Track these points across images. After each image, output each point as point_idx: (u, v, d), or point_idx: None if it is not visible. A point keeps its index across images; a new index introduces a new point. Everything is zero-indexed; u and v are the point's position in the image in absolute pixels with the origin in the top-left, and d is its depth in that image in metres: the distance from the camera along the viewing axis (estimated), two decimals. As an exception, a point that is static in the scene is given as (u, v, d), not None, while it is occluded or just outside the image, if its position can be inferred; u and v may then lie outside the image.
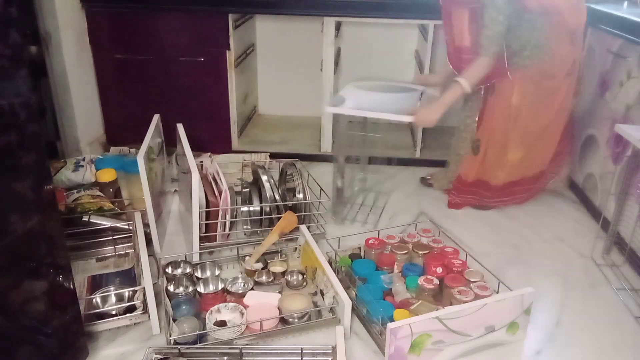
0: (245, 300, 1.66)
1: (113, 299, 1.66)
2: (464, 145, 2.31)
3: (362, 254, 1.92)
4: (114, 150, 2.84)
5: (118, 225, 1.98)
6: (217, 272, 1.79)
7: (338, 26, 2.72)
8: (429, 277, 1.70)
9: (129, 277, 1.79)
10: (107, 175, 2.21)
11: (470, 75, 2.00)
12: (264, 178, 2.05)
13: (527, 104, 2.12)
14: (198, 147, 2.49)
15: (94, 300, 1.64)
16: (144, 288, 1.57)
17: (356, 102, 2.10)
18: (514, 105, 2.12)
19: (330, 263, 1.76)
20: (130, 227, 1.95)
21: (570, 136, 2.37)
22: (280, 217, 1.96)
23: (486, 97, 2.16)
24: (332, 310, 1.62)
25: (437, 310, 1.48)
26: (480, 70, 1.99)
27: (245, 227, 2.10)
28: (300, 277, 1.80)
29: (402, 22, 2.70)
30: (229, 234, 2.05)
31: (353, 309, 1.60)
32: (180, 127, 2.25)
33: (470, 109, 2.25)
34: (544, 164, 2.32)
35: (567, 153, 2.42)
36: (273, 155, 2.76)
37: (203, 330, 1.52)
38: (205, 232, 1.94)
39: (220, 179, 2.03)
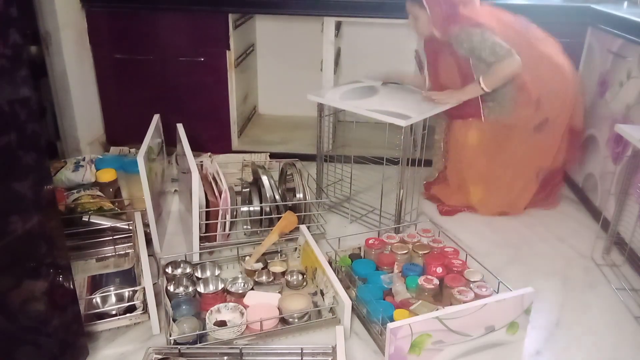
0: (245, 300, 1.66)
1: (113, 299, 1.66)
2: (437, 160, 2.40)
3: (362, 254, 1.92)
4: (114, 150, 2.84)
5: (118, 225, 1.98)
6: (217, 272, 1.79)
7: (338, 26, 2.72)
8: (429, 277, 1.70)
9: (129, 277, 1.79)
10: (107, 175, 2.21)
11: (488, 76, 2.04)
12: (264, 178, 2.05)
13: (482, 146, 2.19)
14: (198, 147, 2.49)
15: (94, 300, 1.64)
16: (144, 288, 1.57)
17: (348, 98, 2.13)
18: (470, 144, 2.19)
19: (330, 263, 1.76)
20: (130, 227, 1.95)
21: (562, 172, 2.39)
22: (280, 217, 1.96)
23: (447, 131, 2.26)
24: (332, 310, 1.62)
25: (437, 310, 1.48)
26: (498, 73, 2.02)
27: (245, 227, 2.10)
28: (300, 277, 1.80)
29: (402, 22, 2.69)
30: (229, 234, 2.05)
31: (353, 309, 1.60)
32: (180, 127, 2.25)
33: (440, 132, 2.34)
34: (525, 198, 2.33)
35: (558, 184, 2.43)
36: (273, 155, 2.76)
37: (203, 330, 1.52)
38: (205, 232, 1.94)
39: (220, 179, 2.03)
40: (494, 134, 2.16)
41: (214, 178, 2.11)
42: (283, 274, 1.81)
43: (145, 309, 1.57)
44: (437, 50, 2.17)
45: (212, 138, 2.82)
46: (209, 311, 1.57)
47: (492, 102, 2.11)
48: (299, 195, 2.07)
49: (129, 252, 1.94)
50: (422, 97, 2.13)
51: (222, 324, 1.56)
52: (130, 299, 1.63)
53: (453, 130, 2.23)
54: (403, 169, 2.02)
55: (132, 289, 1.64)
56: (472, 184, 2.28)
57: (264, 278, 1.80)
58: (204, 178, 2.08)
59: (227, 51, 2.68)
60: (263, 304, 1.63)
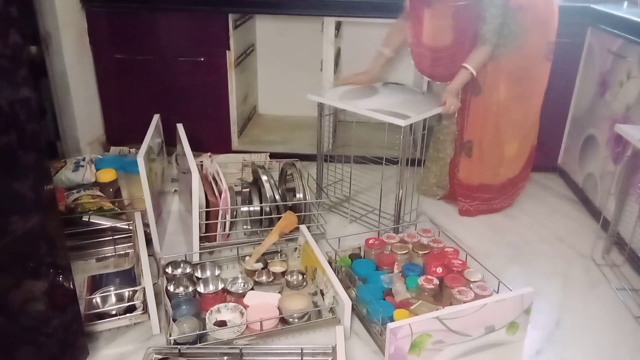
0: (245, 300, 1.66)
1: (113, 299, 1.66)
2: (445, 148, 2.32)
3: (362, 254, 1.92)
4: (114, 150, 2.84)
5: (118, 225, 1.98)
6: (217, 272, 1.79)
7: (338, 26, 2.72)
8: (429, 277, 1.70)
9: (129, 277, 1.79)
10: (107, 175, 2.21)
11: (475, 61, 2.03)
12: (264, 178, 2.05)
13: (515, 97, 2.13)
14: (198, 147, 2.49)
15: (94, 300, 1.64)
16: (144, 288, 1.57)
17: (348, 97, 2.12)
18: (503, 102, 2.13)
19: (330, 263, 1.76)
20: (130, 227, 1.95)
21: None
22: (280, 217, 1.96)
23: (470, 99, 2.17)
24: (332, 310, 1.62)
25: (437, 310, 1.48)
26: (483, 57, 2.03)
27: (245, 227, 2.10)
28: (300, 277, 1.80)
29: (402, 22, 2.69)
30: (229, 234, 2.05)
31: (353, 309, 1.60)
32: (180, 127, 2.25)
33: (449, 117, 2.27)
34: (530, 149, 2.35)
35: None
36: (273, 155, 2.76)
37: (203, 330, 1.52)
38: (205, 232, 1.94)
39: (220, 179, 2.03)
40: (518, 80, 2.11)
41: (214, 178, 2.11)
42: (283, 274, 1.81)
43: (145, 309, 1.57)
44: (430, 4, 2.07)
45: (212, 138, 2.82)
46: (209, 311, 1.57)
47: (505, 40, 2.03)
48: (299, 195, 2.07)
49: (129, 252, 1.94)
50: (441, 107, 2.09)
51: (222, 324, 1.56)
52: (130, 299, 1.63)
53: (482, 94, 2.13)
54: (402, 169, 2.02)
55: (132, 289, 1.64)
56: (509, 141, 2.22)
57: (264, 278, 1.80)
58: (204, 178, 2.08)
59: (227, 51, 2.68)
60: (263, 304, 1.63)
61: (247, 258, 1.86)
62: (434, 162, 2.40)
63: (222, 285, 1.71)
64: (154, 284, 1.60)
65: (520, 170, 2.33)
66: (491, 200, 2.32)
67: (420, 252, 1.82)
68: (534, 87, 2.17)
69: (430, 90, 2.40)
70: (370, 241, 1.88)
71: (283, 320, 1.59)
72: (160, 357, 1.42)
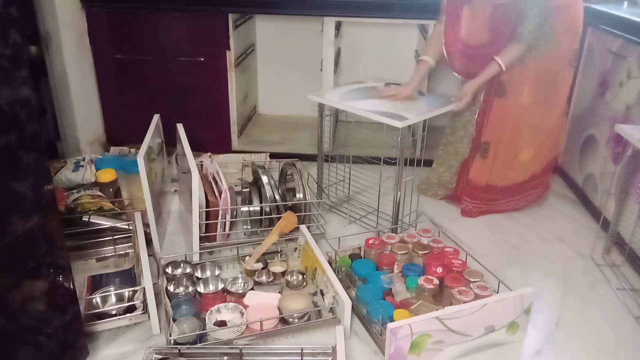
0: (245, 300, 1.66)
1: (113, 299, 1.66)
2: (462, 149, 2.30)
3: (362, 254, 1.92)
4: (114, 150, 2.84)
5: (118, 225, 1.98)
6: (217, 272, 1.79)
7: (338, 26, 2.72)
8: (429, 277, 1.70)
9: (129, 277, 1.79)
10: (107, 175, 2.21)
11: (507, 57, 2.02)
12: (264, 178, 2.05)
13: (537, 102, 2.12)
14: (198, 147, 2.49)
15: (94, 300, 1.64)
16: (144, 288, 1.57)
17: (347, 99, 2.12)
18: (525, 105, 2.11)
19: (330, 263, 1.76)
20: (130, 227, 1.95)
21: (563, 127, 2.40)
22: (280, 217, 1.96)
23: (492, 99, 2.15)
24: (332, 310, 1.62)
25: (437, 310, 1.48)
26: (516, 54, 2.01)
27: (245, 227, 2.10)
28: (300, 277, 1.80)
29: (402, 22, 2.70)
30: (229, 234, 2.05)
31: (353, 309, 1.60)
32: (180, 127, 2.25)
33: (471, 112, 2.24)
34: (551, 158, 2.34)
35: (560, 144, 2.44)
36: (273, 155, 2.76)
37: (203, 330, 1.52)
38: (205, 232, 1.94)
39: (220, 179, 2.03)
40: (543, 85, 2.10)
41: (214, 178, 2.11)
42: (283, 274, 1.81)
43: (145, 309, 1.57)
44: (470, 1, 2.05)
45: (212, 138, 2.82)
46: (209, 311, 1.57)
47: (539, 41, 2.01)
48: (299, 195, 2.07)
49: (129, 252, 1.94)
50: (455, 102, 2.09)
51: (222, 324, 1.56)
52: (130, 299, 1.63)
53: (506, 96, 2.11)
54: (401, 170, 2.02)
55: (132, 289, 1.64)
56: (526, 146, 2.20)
57: (264, 278, 1.80)
58: (204, 178, 2.08)
59: (227, 51, 2.68)
60: (263, 304, 1.63)
61: (247, 258, 1.86)
62: (441, 163, 2.39)
63: (222, 285, 1.71)
64: (154, 284, 1.60)
65: (530, 177, 2.30)
66: (493, 201, 2.31)
67: (420, 252, 1.82)
68: (557, 94, 2.15)
69: (430, 91, 2.40)
70: (370, 241, 1.88)
71: (283, 320, 1.59)
72: (160, 357, 1.42)
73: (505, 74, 2.06)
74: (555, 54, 2.05)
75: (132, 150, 2.78)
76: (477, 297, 1.59)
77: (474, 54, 2.11)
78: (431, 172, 2.42)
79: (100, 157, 2.57)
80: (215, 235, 1.98)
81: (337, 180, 2.42)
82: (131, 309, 1.59)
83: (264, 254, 1.87)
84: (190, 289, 1.69)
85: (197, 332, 1.49)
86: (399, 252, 1.83)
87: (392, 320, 1.48)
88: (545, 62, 2.04)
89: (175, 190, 2.44)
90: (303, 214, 2.05)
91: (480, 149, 2.23)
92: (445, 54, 2.17)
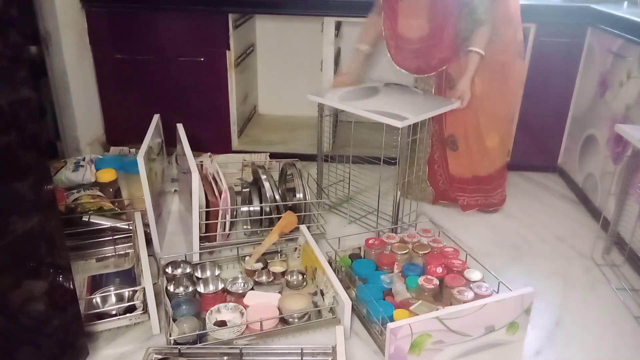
0: (245, 300, 1.66)
1: (113, 299, 1.66)
2: (423, 147, 2.30)
3: (362, 254, 1.92)
4: (114, 150, 2.84)
5: (118, 225, 1.98)
6: (217, 272, 1.79)
7: (338, 26, 2.72)
8: (429, 277, 1.69)
9: (129, 277, 1.79)
10: (107, 175, 2.21)
11: (480, 42, 2.04)
12: (264, 178, 2.05)
13: (489, 90, 2.14)
14: (198, 147, 2.49)
15: (94, 300, 1.64)
16: (144, 288, 1.57)
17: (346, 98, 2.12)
18: (478, 94, 2.13)
19: (330, 263, 1.76)
20: (130, 227, 1.95)
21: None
22: (280, 217, 1.96)
23: (444, 92, 2.18)
24: (332, 310, 1.62)
25: (437, 310, 1.48)
26: (486, 37, 2.04)
27: (245, 227, 2.10)
28: (300, 277, 1.80)
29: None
30: (229, 234, 2.05)
31: (353, 309, 1.60)
32: (180, 127, 2.25)
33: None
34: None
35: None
36: (273, 155, 2.76)
37: (203, 330, 1.52)
38: (205, 232, 1.94)
39: (220, 179, 2.03)
40: (491, 74, 2.13)
41: (214, 178, 2.11)
42: (283, 274, 1.81)
43: (145, 309, 1.57)
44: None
45: (212, 138, 2.82)
46: (209, 311, 1.57)
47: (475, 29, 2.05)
48: (299, 195, 2.07)
49: (129, 252, 1.94)
50: (457, 102, 2.10)
51: (222, 324, 1.56)
52: (130, 299, 1.63)
53: (456, 87, 2.14)
54: (400, 170, 2.02)
55: (132, 289, 1.64)
56: (488, 133, 2.22)
57: (264, 278, 1.80)
58: (204, 178, 2.08)
59: (227, 51, 2.68)
60: (263, 304, 1.63)
61: (247, 258, 1.86)
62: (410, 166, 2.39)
63: (222, 285, 1.71)
64: (154, 284, 1.60)
65: (504, 163, 2.36)
66: (487, 193, 2.32)
67: (420, 252, 1.82)
68: (509, 83, 2.19)
69: (429, 91, 2.39)
70: (370, 241, 1.88)
71: (283, 320, 1.59)
72: (160, 357, 1.42)
73: (452, 66, 2.10)
74: (498, 44, 2.08)
75: (132, 150, 2.78)
76: (477, 297, 1.59)
77: (415, 48, 2.13)
78: (417, 177, 2.42)
79: (100, 157, 2.57)
80: (215, 235, 1.98)
81: (337, 180, 2.42)
82: (131, 309, 1.59)
83: (264, 254, 1.87)
84: (190, 289, 1.69)
85: (197, 332, 1.49)
86: (399, 252, 1.83)
87: (392, 320, 1.48)
88: (490, 52, 2.07)
89: (175, 190, 2.44)
90: (303, 214, 2.05)
91: (447, 142, 2.25)
92: (387, 49, 2.20)
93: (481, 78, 2.12)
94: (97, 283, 1.75)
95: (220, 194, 1.97)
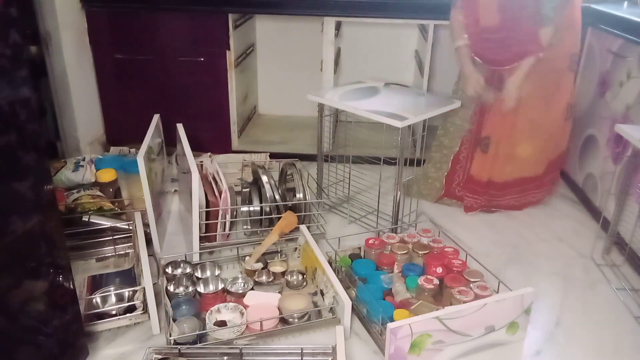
0: (245, 300, 1.66)
1: (113, 299, 1.66)
2: (452, 144, 2.30)
3: (362, 254, 1.92)
4: (114, 150, 2.84)
5: (118, 225, 1.98)
6: (217, 272, 1.79)
7: (338, 26, 2.72)
8: (429, 277, 1.69)
9: (129, 277, 1.79)
10: (107, 175, 2.21)
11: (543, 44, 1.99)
12: (264, 178, 2.05)
13: (536, 98, 2.12)
14: (198, 147, 2.49)
15: (94, 300, 1.64)
16: (144, 288, 1.57)
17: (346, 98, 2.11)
18: (524, 100, 2.10)
19: (330, 263, 1.76)
20: (130, 227, 1.95)
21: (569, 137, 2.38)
22: (280, 217, 1.96)
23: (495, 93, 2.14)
24: (332, 310, 1.62)
25: (437, 310, 1.48)
26: (548, 38, 1.97)
27: (245, 227, 2.10)
28: (300, 277, 1.80)
29: (402, 22, 2.70)
30: (229, 234, 2.05)
31: (353, 309, 1.60)
32: (180, 127, 2.25)
33: (465, 108, 2.22)
34: (554, 158, 2.33)
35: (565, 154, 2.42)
36: (273, 155, 2.76)
37: (203, 330, 1.52)
38: (205, 232, 1.94)
39: (220, 179, 2.03)
40: (540, 80, 2.07)
41: (214, 178, 2.11)
42: (283, 274, 1.81)
43: (145, 309, 1.57)
44: None
45: (212, 138, 2.82)
46: (209, 311, 1.57)
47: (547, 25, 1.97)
48: (299, 195, 2.07)
49: (129, 252, 1.94)
50: (458, 102, 2.08)
51: (222, 324, 1.56)
52: (130, 299, 1.63)
53: (501, 88, 2.10)
54: (401, 170, 2.02)
55: (132, 289, 1.64)
56: (523, 140, 2.19)
57: (264, 278, 1.80)
58: (204, 178, 2.08)
59: (227, 51, 2.68)
60: (263, 304, 1.63)
61: (247, 258, 1.86)
62: (434, 164, 2.39)
63: (222, 285, 1.71)
64: (154, 284, 1.60)
65: (533, 176, 2.30)
66: (493, 197, 2.32)
67: (420, 252, 1.82)
68: (557, 93, 2.15)
69: (431, 91, 2.40)
70: (370, 241, 1.88)
71: (283, 320, 1.59)
72: (160, 357, 1.42)
73: (506, 68, 2.06)
74: (557, 49, 2.04)
75: (132, 150, 2.78)
76: (477, 297, 1.59)
77: (490, 37, 2.08)
78: (425, 174, 2.42)
79: (100, 157, 2.56)
80: (215, 235, 1.98)
81: (337, 180, 2.42)
82: (131, 309, 1.59)
83: (264, 254, 1.87)
84: (190, 289, 1.69)
85: (197, 332, 1.49)
86: (399, 252, 1.83)
87: (392, 320, 1.48)
88: (547, 56, 2.01)
89: (175, 190, 2.44)
90: (303, 214, 2.05)
91: (481, 144, 2.23)
92: (466, 36, 2.14)
93: (530, 85, 2.07)
94: (97, 283, 1.75)
95: (220, 194, 1.97)
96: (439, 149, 2.37)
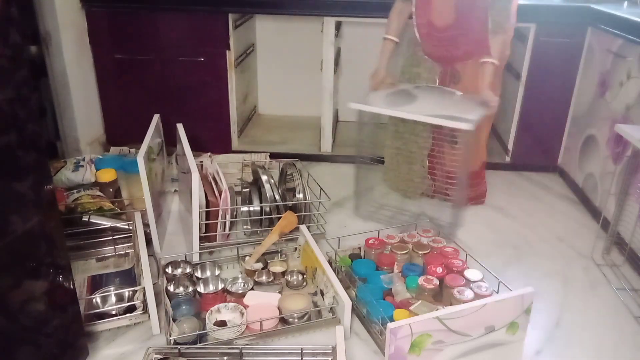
0: (245, 300, 1.66)
1: (113, 299, 1.66)
2: (424, 142, 2.30)
3: (362, 254, 1.92)
4: (114, 150, 2.84)
5: (118, 225, 1.98)
6: (217, 272, 1.79)
7: (338, 26, 2.72)
8: (429, 277, 1.70)
9: (129, 277, 1.79)
10: (107, 175, 2.21)
11: (495, 52, 2.00)
12: (264, 178, 2.05)
13: (489, 87, 2.10)
14: (198, 147, 2.49)
15: (94, 300, 1.64)
16: (144, 288, 1.57)
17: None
18: (479, 90, 2.10)
19: (330, 263, 1.76)
20: (130, 227, 1.95)
21: None
22: (280, 217, 1.96)
23: (449, 87, 2.17)
24: (332, 310, 1.62)
25: (437, 310, 1.48)
26: (500, 46, 2.01)
27: (245, 227, 2.10)
28: (300, 277, 1.80)
29: (402, 22, 2.69)
30: (229, 234, 2.05)
31: (353, 309, 1.60)
32: (180, 127, 2.25)
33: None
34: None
35: None
36: (273, 155, 2.76)
37: (203, 330, 1.52)
38: (205, 232, 1.94)
39: (220, 179, 2.03)
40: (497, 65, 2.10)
41: (214, 178, 2.11)
42: (283, 274, 1.81)
43: (145, 309, 1.57)
44: None
45: (212, 138, 2.82)
46: (209, 311, 1.57)
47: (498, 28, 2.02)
48: (299, 195, 2.07)
49: (129, 252, 1.94)
50: (482, 103, 2.06)
51: (222, 324, 1.56)
52: (130, 299, 1.63)
53: (462, 81, 2.13)
54: (464, 171, 2.06)
55: (132, 289, 1.64)
56: (482, 128, 2.23)
57: (264, 278, 1.80)
58: (204, 178, 2.08)
59: (227, 51, 2.68)
60: (263, 304, 1.63)
61: (247, 258, 1.86)
62: (403, 161, 2.39)
63: (222, 285, 1.71)
64: (154, 284, 1.60)
65: (485, 157, 2.39)
66: (477, 185, 2.36)
67: (420, 252, 1.82)
68: (499, 84, 2.20)
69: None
70: (370, 241, 1.88)
71: (283, 320, 1.59)
72: (160, 357, 1.42)
73: (459, 62, 2.11)
74: (507, 42, 2.09)
75: (132, 150, 2.78)
76: (477, 297, 1.59)
77: (441, 36, 2.11)
78: (395, 171, 2.42)
79: (100, 157, 2.56)
80: (215, 235, 1.98)
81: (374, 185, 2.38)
82: (131, 309, 1.59)
83: (264, 254, 1.87)
84: (190, 289, 1.69)
85: (197, 332, 1.49)
86: (399, 252, 1.83)
87: (392, 320, 1.48)
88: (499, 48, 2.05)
89: (175, 190, 2.44)
90: (303, 214, 2.05)
91: (447, 138, 2.23)
92: (417, 36, 2.17)
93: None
94: (97, 283, 1.75)
95: (220, 194, 1.97)
96: (403, 150, 2.37)
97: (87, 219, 1.97)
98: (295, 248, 1.95)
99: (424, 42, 2.18)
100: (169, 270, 1.78)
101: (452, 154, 2.26)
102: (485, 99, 2.04)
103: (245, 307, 1.62)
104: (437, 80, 2.20)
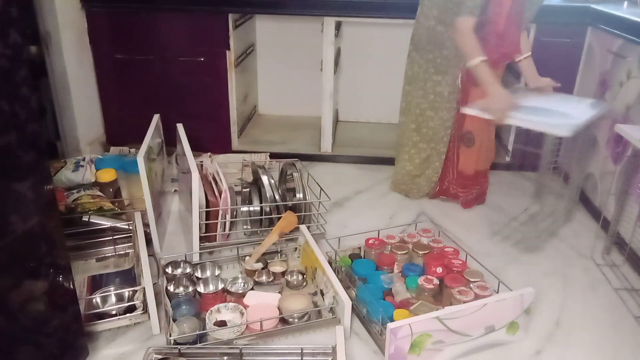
0: (245, 300, 1.66)
1: (113, 299, 1.66)
2: (444, 142, 2.30)
3: (362, 254, 1.92)
4: (114, 150, 2.84)
5: (118, 225, 1.98)
6: (217, 272, 1.79)
7: (338, 26, 2.72)
8: (429, 277, 1.70)
9: (129, 277, 1.79)
10: (107, 175, 2.21)
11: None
12: (264, 178, 2.05)
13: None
14: (198, 147, 2.49)
15: (94, 300, 1.64)
16: (144, 288, 1.57)
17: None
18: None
19: (330, 263, 1.76)
20: (130, 227, 1.95)
21: None
22: (280, 217, 1.96)
23: (468, 89, 2.17)
24: (332, 310, 1.62)
25: (437, 310, 1.48)
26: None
27: (245, 227, 2.10)
28: (300, 277, 1.80)
29: (402, 22, 2.69)
30: (229, 234, 2.05)
31: (353, 309, 1.60)
32: (180, 127, 2.25)
33: (449, 110, 2.25)
34: None
35: None
36: (273, 155, 2.76)
37: (203, 330, 1.52)
38: (205, 232, 1.94)
39: (220, 179, 2.03)
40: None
41: (214, 178, 2.11)
42: (283, 274, 1.81)
43: (145, 309, 1.57)
44: None
45: (212, 138, 2.82)
46: (209, 311, 1.57)
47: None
48: (299, 195, 2.07)
49: (129, 252, 1.94)
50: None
51: (222, 324, 1.56)
52: (130, 299, 1.63)
53: (475, 89, 2.12)
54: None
55: (132, 289, 1.64)
56: (493, 129, 2.31)
57: (264, 278, 1.80)
58: (204, 178, 2.08)
59: (227, 51, 2.68)
60: (263, 304, 1.63)
61: (247, 258, 1.86)
62: (420, 162, 2.38)
63: (222, 285, 1.71)
64: (154, 284, 1.60)
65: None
66: (483, 186, 2.38)
67: (420, 252, 1.82)
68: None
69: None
70: (370, 241, 1.88)
71: (283, 320, 1.59)
72: (160, 357, 1.42)
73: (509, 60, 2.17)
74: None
75: (132, 150, 2.78)
76: (477, 297, 1.59)
77: (488, 39, 2.10)
78: (403, 169, 2.42)
79: (100, 157, 2.56)
80: (215, 235, 1.98)
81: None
82: (131, 309, 1.59)
83: (264, 254, 1.87)
84: (190, 289, 1.69)
85: (197, 332, 1.49)
86: (399, 252, 1.83)
87: (392, 320, 1.48)
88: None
89: (175, 190, 2.44)
90: (303, 214, 2.05)
91: (464, 139, 2.27)
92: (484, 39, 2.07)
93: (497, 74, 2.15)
94: (97, 283, 1.75)
95: (220, 194, 1.97)
96: (416, 145, 2.36)
97: (87, 219, 1.97)
98: (295, 248, 1.95)
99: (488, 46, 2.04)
100: (169, 270, 1.78)
101: (466, 155, 2.28)
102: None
103: (245, 307, 1.62)
104: (459, 84, 2.18)
